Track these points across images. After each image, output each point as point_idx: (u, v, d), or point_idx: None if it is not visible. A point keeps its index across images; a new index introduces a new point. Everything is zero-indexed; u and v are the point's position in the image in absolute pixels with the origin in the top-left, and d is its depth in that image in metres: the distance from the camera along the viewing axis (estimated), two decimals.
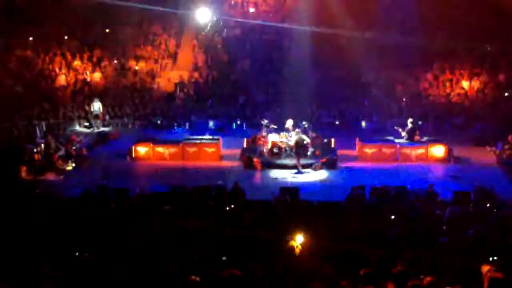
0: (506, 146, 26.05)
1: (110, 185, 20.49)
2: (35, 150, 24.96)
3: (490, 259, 11.96)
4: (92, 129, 31.40)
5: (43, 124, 29.85)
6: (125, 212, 15.87)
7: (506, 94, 33.71)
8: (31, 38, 36.19)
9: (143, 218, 15.37)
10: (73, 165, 24.80)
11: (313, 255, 12.49)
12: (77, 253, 11.39)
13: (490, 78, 35.16)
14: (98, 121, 31.97)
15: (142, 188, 19.90)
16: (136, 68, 37.61)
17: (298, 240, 12.88)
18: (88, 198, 18.79)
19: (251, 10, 39.94)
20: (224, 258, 11.64)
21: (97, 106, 32.07)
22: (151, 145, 26.77)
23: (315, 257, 12.39)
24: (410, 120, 28.17)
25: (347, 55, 36.11)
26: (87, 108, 32.50)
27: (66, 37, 37.69)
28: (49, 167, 24.14)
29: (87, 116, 32.38)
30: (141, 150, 26.70)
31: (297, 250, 12.72)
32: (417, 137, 27.34)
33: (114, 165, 25.33)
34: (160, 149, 26.76)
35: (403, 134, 27.56)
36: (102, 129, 31.80)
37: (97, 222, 15.05)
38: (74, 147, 26.05)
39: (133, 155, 26.58)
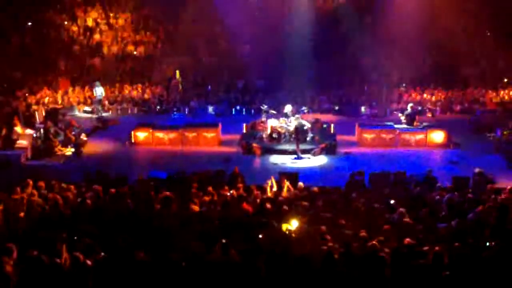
0: (505, 132, 26.05)
1: (110, 170, 20.51)
2: (34, 135, 24.95)
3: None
4: (95, 114, 31.33)
5: (43, 109, 29.85)
6: (124, 198, 15.81)
7: (505, 80, 33.66)
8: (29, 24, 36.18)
9: (142, 204, 15.37)
10: (72, 150, 24.78)
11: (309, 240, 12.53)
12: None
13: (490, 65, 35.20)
14: (101, 106, 31.95)
15: (141, 174, 19.88)
16: (135, 53, 37.60)
17: (293, 225, 12.91)
18: (87, 182, 18.81)
19: None
20: (224, 240, 11.67)
21: (99, 91, 32.02)
22: (151, 130, 26.75)
23: (311, 241, 12.43)
24: (410, 104, 28.19)
25: (347, 42, 36.20)
26: (88, 93, 32.46)
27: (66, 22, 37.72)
28: (48, 152, 24.12)
29: (90, 101, 32.38)
30: (141, 135, 26.69)
31: (293, 235, 12.77)
32: (416, 123, 27.33)
33: (114, 150, 25.34)
34: (159, 134, 26.74)
35: (402, 118, 27.56)
36: (104, 114, 31.80)
37: (97, 207, 15.09)
38: (73, 132, 26.04)
39: (133, 141, 26.56)
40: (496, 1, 34.34)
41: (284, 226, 13.10)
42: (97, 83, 32.12)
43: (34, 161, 23.57)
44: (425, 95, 34.18)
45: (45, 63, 35.48)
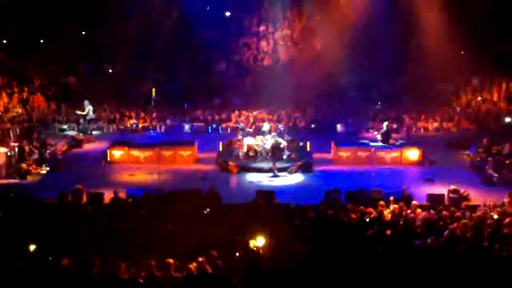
0: (479, 150, 26.30)
1: (85, 189, 20.38)
2: (9, 153, 24.71)
3: None
4: (84, 133, 31.07)
5: (17, 128, 29.58)
6: (100, 217, 15.74)
7: (479, 98, 34.00)
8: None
9: (118, 223, 15.30)
10: (47, 169, 24.58)
11: (277, 256, 12.52)
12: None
13: (464, 82, 35.56)
14: (90, 125, 31.75)
15: (116, 192, 19.78)
16: (110, 71, 37.53)
17: (259, 242, 12.86)
18: (62, 201, 18.69)
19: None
20: (200, 259, 11.66)
21: (89, 109, 31.69)
22: (127, 148, 26.63)
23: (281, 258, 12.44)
24: (385, 123, 28.39)
25: (323, 59, 36.43)
26: (79, 112, 31.97)
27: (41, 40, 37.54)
28: (23, 171, 23.89)
29: (79, 119, 32.02)
30: (116, 153, 26.56)
31: (261, 251, 12.73)
32: (392, 141, 27.52)
33: (89, 169, 25.19)
34: (135, 152, 26.63)
35: (378, 137, 27.75)
36: (94, 133, 31.64)
37: (72, 225, 14.97)
38: (48, 151, 25.84)
39: (108, 159, 26.41)
40: (470, 20, 34.72)
41: (252, 243, 13.07)
42: (86, 102, 31.70)
43: (8, 180, 23.30)
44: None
45: (20, 80, 35.16)
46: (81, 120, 31.72)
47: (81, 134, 30.64)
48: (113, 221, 15.52)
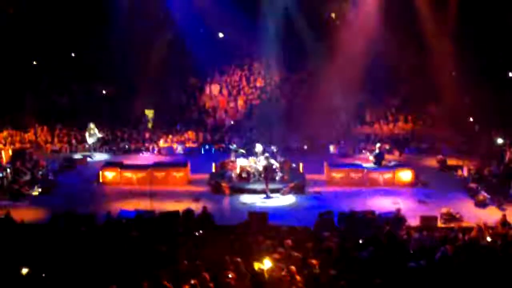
0: (472, 171, 26.36)
1: (77, 211, 20.31)
2: (0, 175, 24.63)
3: None
4: (89, 156, 30.85)
5: (9, 148, 29.52)
6: (92, 239, 15.68)
7: (471, 119, 34.10)
8: None
9: (110, 245, 15.25)
10: (39, 190, 24.48)
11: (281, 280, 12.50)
12: None
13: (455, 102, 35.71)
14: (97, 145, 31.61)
15: (109, 213, 19.73)
16: (104, 92, 37.53)
17: (266, 265, 12.86)
18: (55, 223, 18.64)
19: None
20: (192, 281, 11.62)
21: (95, 132, 31.45)
22: (119, 170, 26.57)
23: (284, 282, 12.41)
24: (378, 145, 28.44)
25: (316, 80, 36.57)
26: (87, 133, 31.65)
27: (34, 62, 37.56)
28: (15, 192, 23.78)
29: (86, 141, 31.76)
30: (109, 175, 26.49)
31: (266, 275, 12.72)
32: (384, 162, 27.58)
33: (81, 190, 25.11)
34: (128, 173, 26.56)
35: (371, 158, 27.79)
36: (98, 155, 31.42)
37: (65, 248, 14.92)
38: (40, 172, 25.76)
39: (101, 180, 26.34)
40: (460, 41, 34.94)
41: (256, 265, 13.05)
42: (92, 124, 31.43)
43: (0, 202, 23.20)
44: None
45: (10, 101, 35.12)
46: (90, 142, 31.34)
47: (88, 155, 30.46)
48: (105, 242, 15.45)
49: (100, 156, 31.05)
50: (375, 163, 27.37)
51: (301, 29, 37.07)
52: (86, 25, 35.69)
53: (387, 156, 28.85)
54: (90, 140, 30.94)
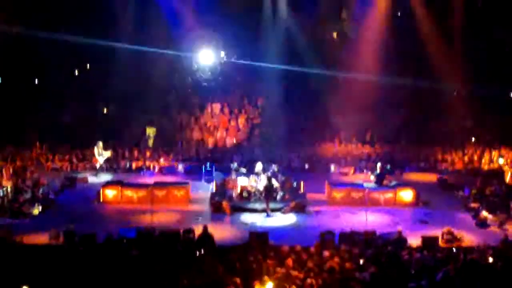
0: (473, 191, 26.33)
1: (77, 229, 20.27)
2: (1, 193, 24.60)
3: None
4: (97, 174, 30.72)
5: (10, 167, 29.49)
6: (92, 257, 15.64)
7: (473, 139, 34.13)
8: None
9: (111, 263, 15.20)
10: (40, 209, 24.42)
11: None
12: None
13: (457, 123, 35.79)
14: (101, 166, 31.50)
15: (109, 232, 19.68)
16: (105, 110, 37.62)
17: (267, 285, 12.80)
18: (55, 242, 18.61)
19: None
20: None
21: (102, 148, 31.30)
22: (120, 188, 26.53)
23: None
24: (378, 164, 28.42)
25: (318, 98, 36.68)
26: (96, 152, 31.45)
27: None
28: (15, 211, 23.73)
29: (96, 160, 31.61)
30: (110, 193, 26.44)
31: None
32: (385, 182, 27.55)
33: (82, 209, 25.07)
34: (128, 192, 26.51)
35: (372, 178, 27.76)
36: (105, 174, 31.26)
37: (65, 267, 14.87)
38: (41, 191, 25.73)
39: (101, 199, 26.30)
40: (463, 64, 35.17)
41: (257, 286, 12.99)
42: (100, 143, 31.27)
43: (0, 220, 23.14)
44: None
45: (12, 119, 35.18)
46: (101, 161, 31.13)
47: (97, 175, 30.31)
48: (105, 261, 15.41)
49: (106, 176, 30.77)
50: (376, 183, 27.34)
51: (302, 49, 37.21)
52: (88, 43, 35.78)
53: (387, 176, 28.77)
54: (101, 159, 30.58)
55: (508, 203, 24.17)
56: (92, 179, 30.21)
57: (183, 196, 26.58)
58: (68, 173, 31.01)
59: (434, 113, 36.72)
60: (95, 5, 35.45)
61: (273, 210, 24.52)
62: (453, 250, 18.59)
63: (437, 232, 21.01)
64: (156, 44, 36.11)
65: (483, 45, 35.65)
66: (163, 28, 36.71)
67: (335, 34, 39.97)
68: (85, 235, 19.61)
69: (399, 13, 37.63)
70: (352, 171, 32.20)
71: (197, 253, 17.08)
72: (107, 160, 31.58)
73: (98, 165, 30.16)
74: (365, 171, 31.07)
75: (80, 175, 30.65)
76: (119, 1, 36.32)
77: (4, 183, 26.21)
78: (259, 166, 26.67)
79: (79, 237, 19.58)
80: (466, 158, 33.34)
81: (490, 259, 16.56)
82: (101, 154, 30.46)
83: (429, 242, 19.66)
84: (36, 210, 24.26)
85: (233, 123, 37.49)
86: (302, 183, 27.55)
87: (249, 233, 20.27)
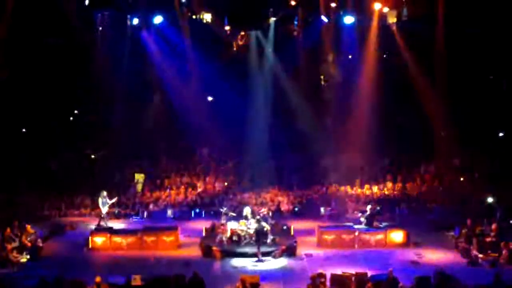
0: (463, 231, 26.29)
1: (66, 277, 20.05)
2: None
3: None
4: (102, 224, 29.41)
5: None
6: None
7: (461, 179, 34.20)
8: None
9: None
10: (28, 257, 24.17)
11: None
12: None
13: (446, 163, 35.91)
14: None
15: (98, 278, 19.45)
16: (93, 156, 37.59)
17: None
18: None
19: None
20: None
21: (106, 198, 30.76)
22: (108, 235, 26.33)
23: None
24: (369, 206, 28.39)
25: (306, 140, 36.84)
26: (100, 201, 30.77)
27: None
28: (3, 259, 23.48)
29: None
30: (98, 240, 26.23)
31: None
32: (376, 223, 27.49)
33: (71, 256, 24.85)
34: (117, 238, 26.31)
35: (362, 219, 27.73)
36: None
37: None
38: (29, 238, 25.49)
39: (90, 246, 26.08)
40: (449, 103, 35.50)
41: None
42: (104, 192, 30.78)
43: None
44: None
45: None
46: (104, 210, 30.35)
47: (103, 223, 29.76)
48: None
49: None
50: (366, 224, 27.28)
51: (290, 92, 37.50)
52: (75, 90, 35.98)
53: (378, 217, 28.70)
54: (104, 209, 29.90)
55: (499, 243, 24.15)
56: (81, 226, 29.95)
57: (172, 242, 26.40)
58: (56, 220, 30.73)
59: (423, 154, 36.86)
60: None
61: (264, 254, 24.36)
62: None
63: (429, 272, 20.91)
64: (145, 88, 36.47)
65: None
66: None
67: (322, 77, 40.28)
68: (74, 282, 19.42)
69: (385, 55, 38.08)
70: (342, 213, 32.11)
71: None
72: (110, 208, 30.73)
73: (102, 215, 29.62)
74: (355, 212, 30.84)
75: (68, 222, 30.42)
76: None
77: None
78: (247, 210, 26.64)
79: (68, 284, 19.39)
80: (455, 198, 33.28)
81: None
82: (105, 203, 29.73)
83: (422, 283, 19.57)
84: (24, 258, 24.02)
85: (222, 167, 37.40)
86: (292, 226, 27.48)
87: (240, 277, 20.09)
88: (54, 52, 34.81)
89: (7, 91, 34.72)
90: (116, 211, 32.26)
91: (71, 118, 38.61)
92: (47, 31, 33.77)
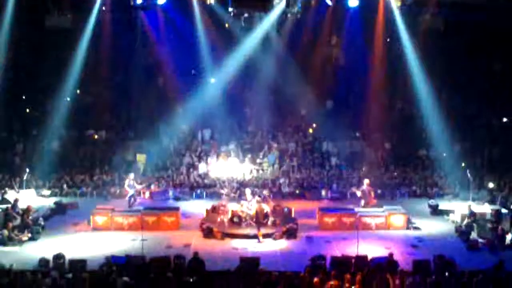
0: (464, 215, 26.31)
1: (67, 256, 20.13)
2: None
3: None
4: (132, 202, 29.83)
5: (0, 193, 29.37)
6: (82, 285, 15.53)
7: (462, 164, 34.17)
8: None
9: None
10: (29, 235, 24.23)
11: None
12: None
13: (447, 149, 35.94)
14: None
15: (99, 259, 19.57)
16: (96, 136, 37.57)
17: None
18: (44, 268, 18.48)
19: None
20: None
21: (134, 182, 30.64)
22: (110, 214, 26.38)
23: None
24: (366, 181, 28.47)
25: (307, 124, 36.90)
26: (126, 183, 30.71)
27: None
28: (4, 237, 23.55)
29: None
30: (100, 220, 26.28)
31: None
32: (373, 200, 27.63)
33: (72, 235, 24.94)
34: (119, 218, 26.35)
35: (358, 194, 27.84)
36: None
37: None
38: (30, 217, 25.55)
39: (91, 225, 26.14)
40: (449, 90, 35.53)
41: None
42: (131, 175, 31.00)
43: None
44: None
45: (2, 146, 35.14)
46: (130, 193, 30.05)
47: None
48: None
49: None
50: (363, 199, 27.51)
51: (292, 76, 37.40)
52: (79, 71, 35.89)
53: (379, 201, 28.73)
54: (131, 191, 29.94)
55: (498, 227, 24.19)
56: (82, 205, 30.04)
57: (173, 222, 26.46)
58: (57, 199, 30.79)
59: (424, 139, 36.84)
60: None
61: (264, 236, 24.42)
62: (444, 274, 18.58)
63: (428, 256, 20.95)
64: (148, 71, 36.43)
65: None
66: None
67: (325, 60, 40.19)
68: (75, 261, 19.51)
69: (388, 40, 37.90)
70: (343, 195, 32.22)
71: (188, 279, 16.98)
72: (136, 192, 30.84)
73: (127, 197, 29.69)
74: (353, 189, 30.73)
75: (69, 201, 30.51)
76: None
77: None
78: (248, 191, 26.68)
79: (69, 263, 19.49)
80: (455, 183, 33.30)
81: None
82: (132, 186, 29.81)
83: (421, 267, 19.62)
84: (26, 237, 24.09)
85: (223, 148, 37.38)
86: (293, 208, 27.53)
87: (240, 258, 20.17)
88: (55, 33, 34.66)
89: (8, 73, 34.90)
90: (118, 191, 32.30)
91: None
92: (48, 11, 33.56)
